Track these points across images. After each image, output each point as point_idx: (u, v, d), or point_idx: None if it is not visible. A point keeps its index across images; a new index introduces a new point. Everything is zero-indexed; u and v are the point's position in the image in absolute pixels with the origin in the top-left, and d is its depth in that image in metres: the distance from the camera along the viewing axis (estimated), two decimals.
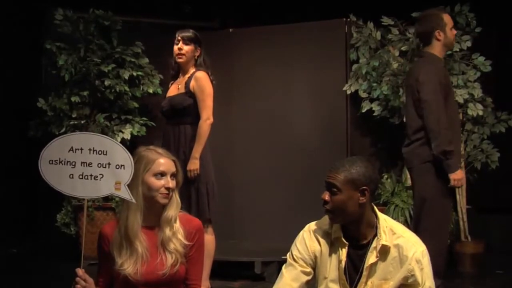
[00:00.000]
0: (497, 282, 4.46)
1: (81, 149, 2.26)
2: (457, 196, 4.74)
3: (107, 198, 4.98)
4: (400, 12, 4.83)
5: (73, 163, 2.26)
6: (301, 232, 2.40)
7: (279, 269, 2.41)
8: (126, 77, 5.01)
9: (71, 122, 4.92)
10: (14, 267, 5.16)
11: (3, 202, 5.60)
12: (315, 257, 2.33)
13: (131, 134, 4.94)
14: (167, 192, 2.29)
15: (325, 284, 2.29)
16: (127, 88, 5.04)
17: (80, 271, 2.23)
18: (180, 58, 3.88)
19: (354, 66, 5.04)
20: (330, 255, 2.30)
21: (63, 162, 2.27)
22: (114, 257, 2.26)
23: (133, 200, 2.24)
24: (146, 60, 5.20)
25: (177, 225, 2.32)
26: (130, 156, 2.25)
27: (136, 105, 5.10)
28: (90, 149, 2.26)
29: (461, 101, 4.55)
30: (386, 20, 4.91)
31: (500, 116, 4.77)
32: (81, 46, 4.98)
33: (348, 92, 5.07)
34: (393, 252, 2.22)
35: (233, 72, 5.57)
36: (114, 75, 4.98)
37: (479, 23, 4.66)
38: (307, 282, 2.34)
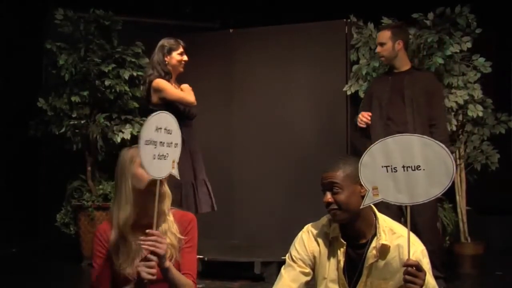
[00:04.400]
0: (497, 283, 4.47)
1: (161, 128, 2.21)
2: (457, 197, 4.74)
3: (106, 198, 4.99)
4: (400, 13, 4.83)
5: (155, 143, 2.19)
6: (299, 233, 2.40)
7: (279, 270, 2.41)
8: (126, 77, 5.01)
9: (71, 122, 4.92)
10: (13, 267, 5.16)
11: (2, 201, 5.60)
12: (314, 257, 2.33)
13: (131, 134, 4.93)
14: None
15: (325, 285, 2.29)
16: (127, 88, 5.04)
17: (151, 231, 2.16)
18: (183, 68, 4.14)
19: (354, 67, 5.04)
20: (328, 255, 2.30)
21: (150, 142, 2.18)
22: (112, 259, 2.25)
23: (178, 177, 2.24)
24: (146, 60, 5.19)
25: (171, 219, 2.32)
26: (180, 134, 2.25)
27: (136, 105, 5.10)
28: (163, 128, 2.21)
29: (461, 102, 4.55)
30: (386, 21, 4.90)
31: (500, 118, 4.76)
32: (81, 46, 4.98)
33: (348, 92, 5.07)
34: (393, 252, 2.22)
35: (233, 72, 5.58)
36: (114, 75, 4.98)
37: (479, 24, 4.65)
38: (306, 282, 2.34)
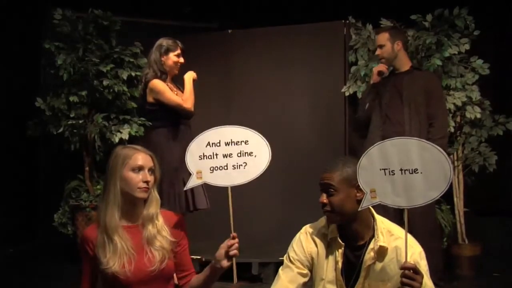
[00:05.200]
0: (494, 285, 4.47)
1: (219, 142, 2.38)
2: (455, 199, 4.74)
3: None
4: (399, 14, 4.84)
5: (216, 156, 2.37)
6: (297, 234, 2.41)
7: (277, 270, 2.42)
8: (125, 77, 5.00)
9: (69, 122, 4.91)
10: (10, 266, 5.16)
11: (0, 201, 5.59)
12: (312, 258, 2.33)
13: (129, 134, 4.93)
14: (146, 186, 2.29)
15: (322, 285, 2.29)
16: (125, 88, 5.03)
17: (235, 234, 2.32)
18: (178, 70, 4.19)
19: (353, 68, 5.05)
20: (327, 256, 2.31)
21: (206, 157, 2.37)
22: (99, 258, 2.25)
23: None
24: (145, 60, 5.17)
25: (160, 223, 2.34)
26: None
27: (134, 105, 5.09)
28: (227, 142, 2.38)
29: (459, 103, 4.55)
30: (385, 22, 4.91)
31: (498, 119, 4.76)
32: (79, 46, 4.97)
33: (347, 94, 5.07)
34: (390, 254, 2.23)
35: (232, 73, 5.57)
36: (112, 75, 4.97)
37: (477, 26, 4.66)
38: (304, 283, 2.35)
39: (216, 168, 2.36)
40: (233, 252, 2.25)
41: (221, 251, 2.27)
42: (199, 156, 2.36)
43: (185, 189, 2.39)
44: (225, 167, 2.36)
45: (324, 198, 2.25)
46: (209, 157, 2.36)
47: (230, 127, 2.41)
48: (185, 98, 4.10)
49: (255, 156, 2.37)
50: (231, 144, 2.37)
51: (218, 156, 2.36)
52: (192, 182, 2.38)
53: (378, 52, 4.22)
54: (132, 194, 2.29)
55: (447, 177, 2.03)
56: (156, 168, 2.37)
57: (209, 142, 2.37)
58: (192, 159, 2.37)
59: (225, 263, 2.26)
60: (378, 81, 4.21)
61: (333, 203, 2.23)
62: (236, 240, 2.27)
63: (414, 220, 3.95)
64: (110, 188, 2.28)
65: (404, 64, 4.20)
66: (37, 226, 6.10)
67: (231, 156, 2.36)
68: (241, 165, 2.36)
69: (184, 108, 4.05)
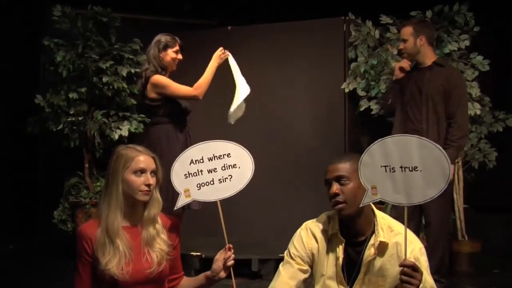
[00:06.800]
0: (494, 281, 4.47)
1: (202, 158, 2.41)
2: (455, 195, 4.74)
3: None
4: (399, 10, 4.83)
5: (201, 172, 2.39)
6: (298, 230, 2.40)
7: (276, 267, 2.42)
8: (124, 74, 5.00)
9: (69, 119, 4.91)
10: (10, 263, 5.16)
11: (0, 198, 5.60)
12: (312, 254, 2.33)
13: (129, 131, 4.93)
14: (147, 189, 2.29)
15: (323, 282, 2.29)
16: (125, 85, 5.03)
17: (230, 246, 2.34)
18: (176, 66, 4.16)
19: (353, 65, 5.04)
20: (327, 252, 2.30)
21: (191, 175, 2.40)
22: (98, 257, 2.22)
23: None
24: (144, 57, 5.16)
25: (160, 225, 2.35)
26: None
27: (134, 102, 5.09)
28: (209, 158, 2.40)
29: None
30: (384, 19, 4.91)
31: (497, 116, 4.77)
32: (79, 43, 4.96)
33: (346, 90, 5.07)
34: (391, 249, 2.23)
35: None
36: (112, 72, 4.97)
37: (477, 22, 4.65)
38: (305, 280, 2.34)
39: (203, 184, 2.39)
40: (230, 263, 2.31)
41: (219, 263, 2.32)
42: (185, 175, 2.38)
43: (175, 209, 2.38)
44: (212, 182, 2.39)
45: (335, 188, 2.24)
46: (194, 174, 2.38)
47: (211, 142, 2.44)
48: (198, 85, 4.06)
49: (239, 167, 2.42)
50: (214, 159, 2.40)
51: (203, 172, 2.39)
52: (181, 201, 2.39)
53: (401, 46, 4.08)
54: (134, 196, 2.28)
55: (445, 176, 2.04)
56: (159, 170, 2.36)
57: (192, 160, 2.39)
58: (177, 179, 2.38)
59: (223, 274, 2.32)
60: (401, 77, 4.13)
61: (346, 192, 2.22)
62: (232, 251, 2.32)
63: (430, 221, 3.96)
64: (112, 190, 2.27)
65: (428, 59, 4.04)
66: (37, 223, 6.10)
67: (216, 170, 2.40)
68: (227, 178, 2.40)
69: (191, 96, 4.04)
